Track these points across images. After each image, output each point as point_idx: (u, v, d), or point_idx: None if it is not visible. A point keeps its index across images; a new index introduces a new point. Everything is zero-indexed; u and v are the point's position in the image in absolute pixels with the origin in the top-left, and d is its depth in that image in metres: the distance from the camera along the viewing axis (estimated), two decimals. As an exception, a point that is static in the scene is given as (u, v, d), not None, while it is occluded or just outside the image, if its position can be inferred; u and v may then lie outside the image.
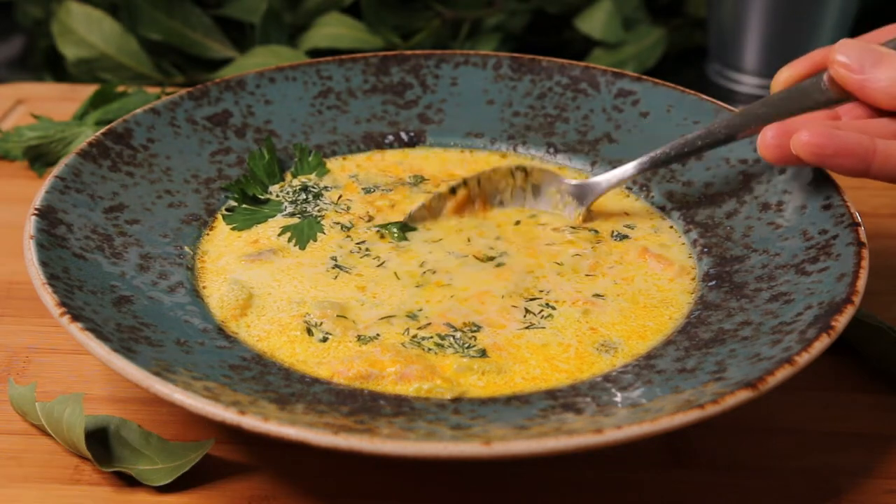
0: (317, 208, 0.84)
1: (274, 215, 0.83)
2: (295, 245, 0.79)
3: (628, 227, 0.82)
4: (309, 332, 0.70)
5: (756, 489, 0.66)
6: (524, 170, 0.83)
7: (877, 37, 0.76)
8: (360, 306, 0.72)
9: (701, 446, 0.68)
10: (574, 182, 0.83)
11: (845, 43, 0.74)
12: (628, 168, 0.81)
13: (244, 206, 0.83)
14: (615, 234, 0.81)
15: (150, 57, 1.23)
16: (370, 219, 0.83)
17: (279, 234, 0.81)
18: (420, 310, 0.72)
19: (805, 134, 0.69)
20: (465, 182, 0.83)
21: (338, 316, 0.71)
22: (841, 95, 0.75)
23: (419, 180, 0.88)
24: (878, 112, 0.74)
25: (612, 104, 0.92)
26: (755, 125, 0.76)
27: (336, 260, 0.78)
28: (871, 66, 0.72)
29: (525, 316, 0.72)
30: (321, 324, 0.70)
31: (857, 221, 0.72)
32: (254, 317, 0.72)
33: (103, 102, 1.05)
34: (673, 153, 0.79)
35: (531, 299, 0.73)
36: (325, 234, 0.81)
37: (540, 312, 0.72)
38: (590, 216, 0.83)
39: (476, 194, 0.83)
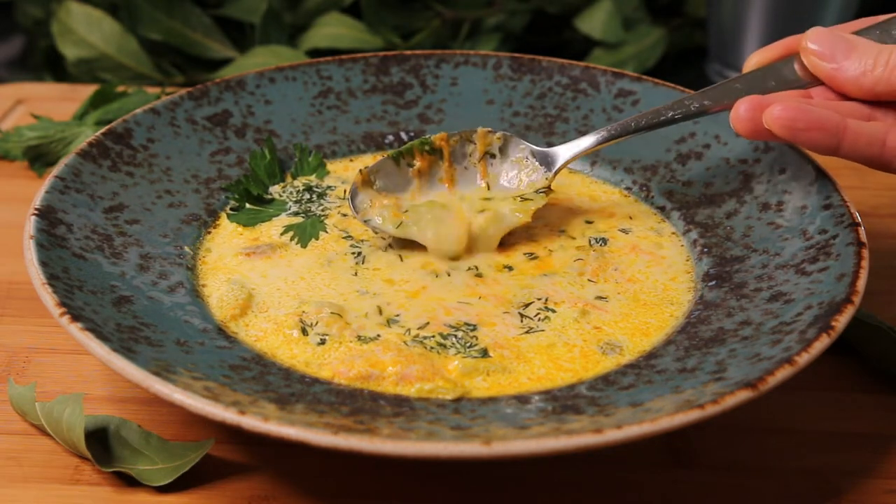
0: (321, 208, 0.84)
1: (278, 214, 0.83)
2: (297, 243, 0.80)
3: (625, 230, 0.82)
4: (304, 331, 0.70)
5: (756, 489, 0.66)
6: (492, 132, 0.83)
7: (849, 27, 0.77)
8: (354, 308, 0.72)
9: (701, 446, 0.68)
10: (539, 148, 0.82)
11: (817, 31, 0.74)
12: (591, 137, 0.80)
13: (249, 205, 0.83)
14: (606, 238, 0.81)
15: (150, 57, 1.23)
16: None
17: (282, 233, 0.81)
18: (407, 314, 0.72)
19: (777, 108, 0.69)
20: (430, 142, 0.82)
21: (332, 313, 0.71)
22: (811, 80, 0.75)
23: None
24: (848, 98, 0.74)
25: (612, 104, 0.92)
26: (728, 100, 0.76)
27: (333, 261, 0.78)
28: (843, 55, 0.73)
29: (522, 321, 0.72)
30: (316, 323, 0.70)
31: (857, 221, 0.72)
32: (253, 317, 0.72)
33: (103, 102, 1.05)
34: (644, 122, 0.78)
35: (528, 304, 0.73)
36: (327, 233, 0.81)
37: (536, 315, 0.72)
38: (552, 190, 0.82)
39: (444, 155, 0.83)
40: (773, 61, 0.77)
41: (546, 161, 0.82)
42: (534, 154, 0.82)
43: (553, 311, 0.73)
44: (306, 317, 0.71)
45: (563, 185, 0.87)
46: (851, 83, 0.72)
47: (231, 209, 0.83)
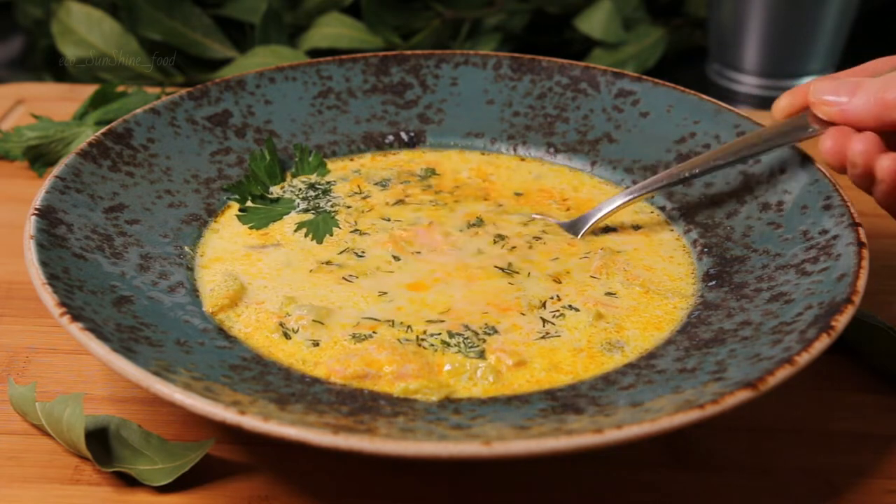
0: (329, 203, 0.84)
1: (288, 212, 0.83)
2: (312, 240, 0.80)
3: (626, 231, 0.82)
4: (294, 331, 0.70)
5: (756, 489, 0.66)
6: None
7: (851, 73, 0.77)
8: (352, 308, 0.72)
9: (701, 446, 0.68)
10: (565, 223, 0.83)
11: (819, 79, 0.76)
12: (619, 198, 0.81)
13: (256, 205, 0.83)
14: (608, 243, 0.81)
15: (150, 57, 1.24)
16: (400, 201, 0.84)
17: (295, 230, 0.81)
18: (400, 321, 0.72)
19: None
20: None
21: (321, 313, 0.71)
22: (825, 128, 0.76)
23: (429, 173, 0.89)
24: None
25: (612, 104, 0.92)
26: (751, 155, 0.78)
27: (340, 261, 0.78)
28: (848, 94, 0.73)
29: (544, 325, 0.72)
30: (311, 321, 0.70)
31: (857, 221, 0.72)
32: (243, 309, 0.72)
33: (103, 102, 1.05)
34: (684, 174, 0.80)
35: (542, 305, 0.73)
36: (340, 228, 0.81)
37: (554, 311, 0.72)
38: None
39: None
40: (801, 105, 0.78)
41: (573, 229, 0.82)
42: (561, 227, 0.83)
43: (575, 309, 0.72)
44: (300, 318, 0.71)
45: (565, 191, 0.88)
46: (864, 113, 0.72)
47: (240, 210, 0.83)
